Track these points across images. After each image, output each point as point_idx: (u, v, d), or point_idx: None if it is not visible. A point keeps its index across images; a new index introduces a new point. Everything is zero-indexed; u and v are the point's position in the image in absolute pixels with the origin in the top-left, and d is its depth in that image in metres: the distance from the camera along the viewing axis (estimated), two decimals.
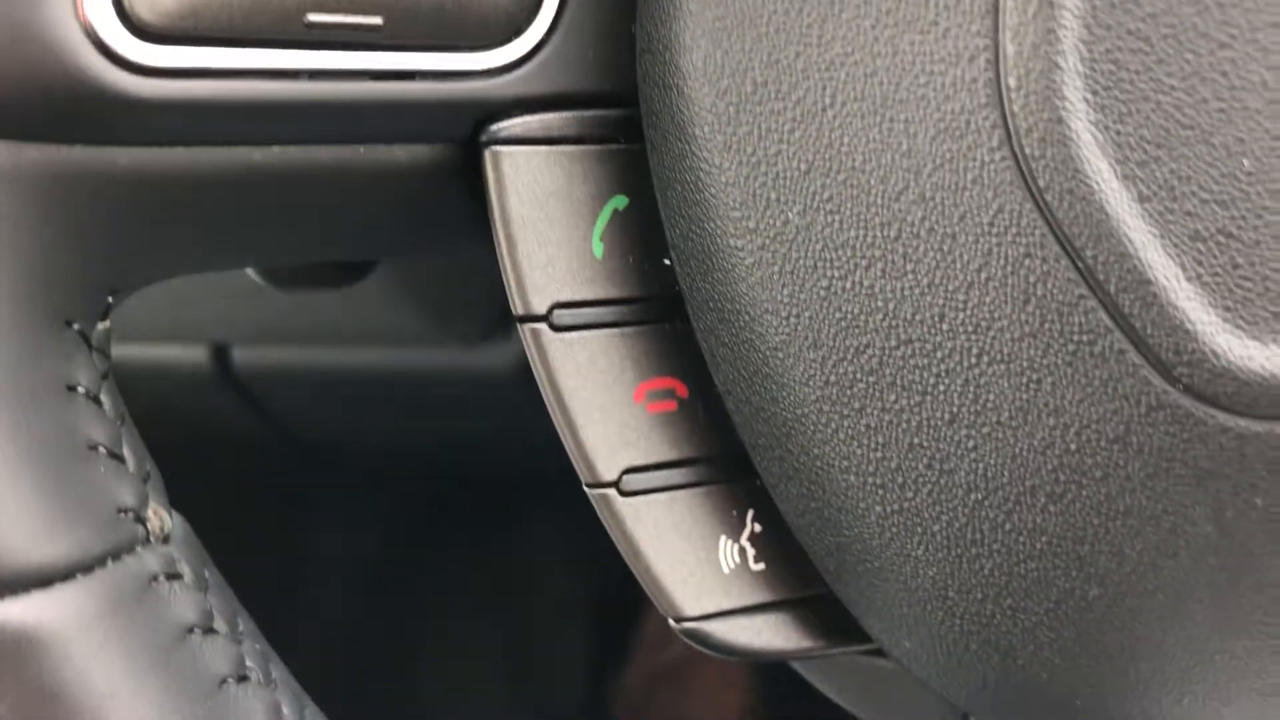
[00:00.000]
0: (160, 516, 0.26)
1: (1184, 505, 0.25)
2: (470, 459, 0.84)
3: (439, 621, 0.97)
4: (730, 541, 0.29)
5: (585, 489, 0.28)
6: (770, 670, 0.98)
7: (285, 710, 0.26)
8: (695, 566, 0.29)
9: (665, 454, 0.29)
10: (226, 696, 0.25)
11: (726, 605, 0.29)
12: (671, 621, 0.28)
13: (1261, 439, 0.24)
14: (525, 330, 0.28)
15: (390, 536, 0.98)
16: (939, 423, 0.25)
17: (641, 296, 0.29)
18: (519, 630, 0.98)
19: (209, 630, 0.26)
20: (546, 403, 0.28)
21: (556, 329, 0.28)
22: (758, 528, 0.29)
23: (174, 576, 0.25)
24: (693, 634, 0.28)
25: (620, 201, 0.28)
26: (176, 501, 0.28)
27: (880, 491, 0.26)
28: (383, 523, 0.97)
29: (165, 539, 0.26)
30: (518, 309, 0.28)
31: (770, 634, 0.29)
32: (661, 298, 0.29)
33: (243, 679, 0.26)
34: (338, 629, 0.94)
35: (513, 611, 0.98)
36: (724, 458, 0.29)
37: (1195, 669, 0.27)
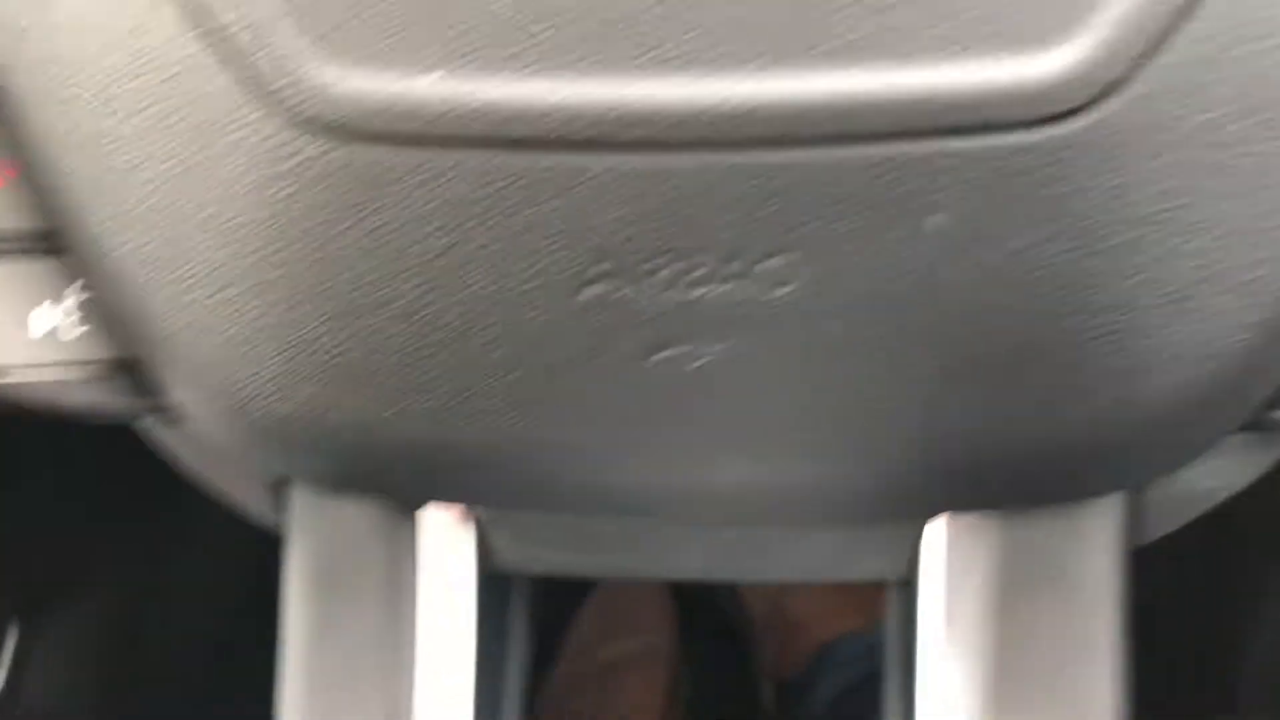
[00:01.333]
0: None
1: (339, 230, 0.27)
2: None
3: None
4: (50, 307, 0.32)
5: None
6: (694, 678, 0.98)
7: None
8: (5, 326, 0.31)
9: None
10: None
11: (30, 361, 0.31)
12: None
13: (359, 157, 0.26)
14: None
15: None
16: (156, 189, 0.28)
17: None
18: None
19: None
20: None
21: None
22: (85, 296, 0.32)
23: None
24: None
25: None
26: None
27: (115, 237, 0.29)
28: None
29: None
30: None
31: (78, 393, 0.32)
32: None
33: None
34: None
35: None
36: (54, 234, 0.32)
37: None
